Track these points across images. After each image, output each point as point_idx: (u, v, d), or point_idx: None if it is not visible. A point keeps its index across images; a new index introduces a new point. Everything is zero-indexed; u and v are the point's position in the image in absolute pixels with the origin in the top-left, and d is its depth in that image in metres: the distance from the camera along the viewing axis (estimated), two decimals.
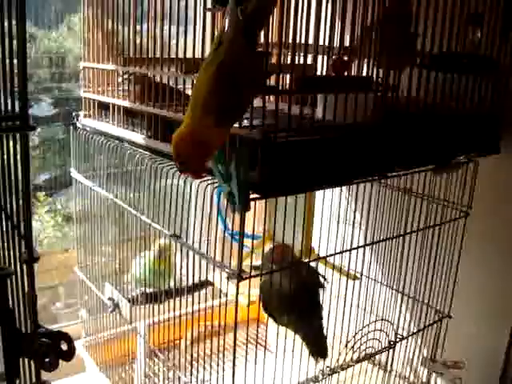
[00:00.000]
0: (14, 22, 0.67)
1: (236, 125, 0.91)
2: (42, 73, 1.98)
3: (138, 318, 1.32)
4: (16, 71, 0.69)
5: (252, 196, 0.87)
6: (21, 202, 0.73)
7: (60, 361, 0.77)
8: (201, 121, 0.81)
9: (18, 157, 0.71)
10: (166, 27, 1.06)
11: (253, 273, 0.97)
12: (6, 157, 0.71)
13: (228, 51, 0.80)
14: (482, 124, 1.28)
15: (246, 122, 0.93)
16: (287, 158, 0.90)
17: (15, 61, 0.69)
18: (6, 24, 0.66)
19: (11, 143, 0.71)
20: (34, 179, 1.98)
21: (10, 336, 0.73)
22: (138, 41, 1.20)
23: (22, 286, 0.74)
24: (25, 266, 0.74)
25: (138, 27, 1.19)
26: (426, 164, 1.18)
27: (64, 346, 0.77)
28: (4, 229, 0.74)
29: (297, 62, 1.00)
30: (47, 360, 0.76)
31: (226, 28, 0.82)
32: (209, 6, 0.99)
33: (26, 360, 0.76)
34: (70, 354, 0.77)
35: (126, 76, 1.25)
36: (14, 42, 0.68)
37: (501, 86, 1.26)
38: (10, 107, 0.70)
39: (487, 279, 1.43)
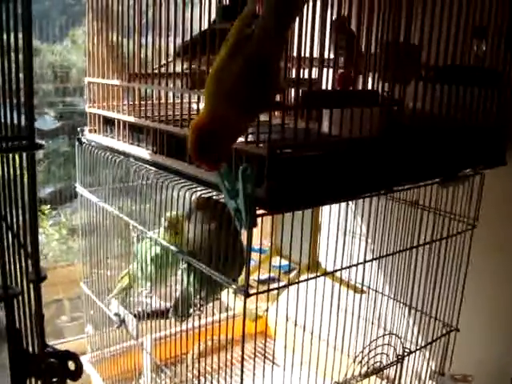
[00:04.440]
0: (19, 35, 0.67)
1: (242, 140, 0.91)
2: (46, 87, 1.98)
3: (144, 333, 1.32)
4: (22, 86, 0.69)
5: (259, 212, 0.86)
6: (27, 220, 0.73)
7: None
8: (224, 110, 0.78)
9: (25, 174, 0.71)
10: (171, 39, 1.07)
11: (260, 288, 0.96)
12: (12, 173, 0.71)
13: (259, 45, 0.77)
14: (488, 136, 1.27)
15: (251, 138, 0.93)
16: (294, 173, 0.89)
17: (21, 75, 0.68)
18: (11, 39, 0.66)
19: (17, 160, 0.71)
20: (39, 192, 1.98)
21: (17, 356, 0.72)
22: (142, 54, 1.19)
23: (29, 305, 0.74)
24: (32, 286, 0.74)
25: (143, 40, 1.19)
26: (432, 177, 1.17)
27: (72, 366, 0.77)
28: (11, 248, 0.73)
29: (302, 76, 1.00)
30: (54, 380, 0.75)
31: (260, 17, 0.78)
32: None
33: (34, 380, 0.75)
34: (77, 374, 0.76)
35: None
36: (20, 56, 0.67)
37: (505, 99, 1.25)
38: (15, 121, 0.69)
39: (495, 291, 1.42)
